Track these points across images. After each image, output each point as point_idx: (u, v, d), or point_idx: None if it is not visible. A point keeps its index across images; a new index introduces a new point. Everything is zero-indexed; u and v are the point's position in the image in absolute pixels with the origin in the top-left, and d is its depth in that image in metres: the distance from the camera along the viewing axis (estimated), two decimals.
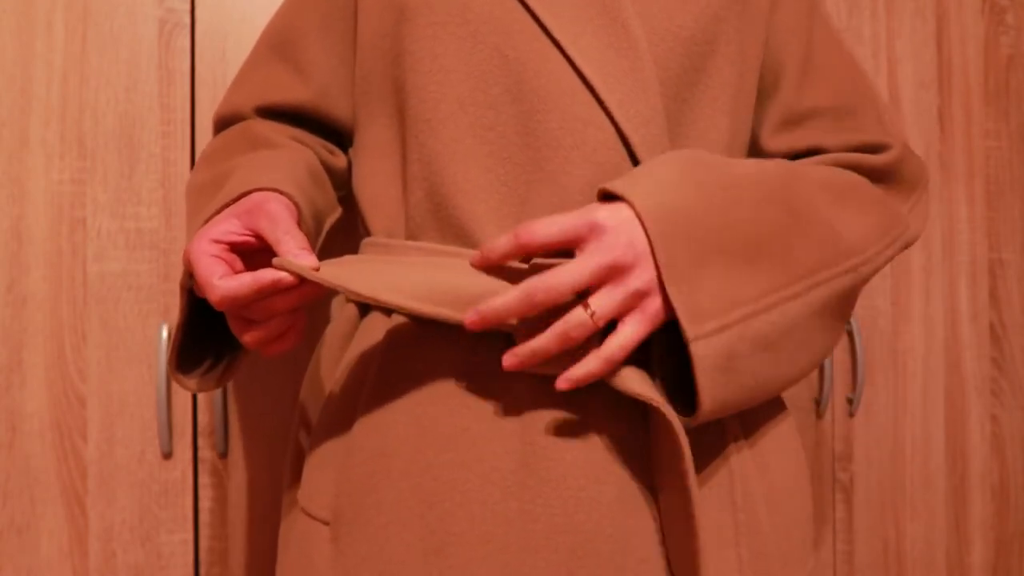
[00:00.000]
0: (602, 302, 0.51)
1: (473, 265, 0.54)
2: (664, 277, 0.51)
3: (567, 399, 0.56)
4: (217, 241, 0.54)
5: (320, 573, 0.59)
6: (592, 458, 0.55)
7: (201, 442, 0.88)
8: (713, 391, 0.51)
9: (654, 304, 0.52)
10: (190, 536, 0.87)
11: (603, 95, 0.57)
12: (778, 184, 0.57)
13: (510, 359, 0.53)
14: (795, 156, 0.68)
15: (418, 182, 0.61)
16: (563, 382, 0.52)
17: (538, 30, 0.58)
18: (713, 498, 0.57)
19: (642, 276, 0.51)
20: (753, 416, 0.62)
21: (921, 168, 0.69)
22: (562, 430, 0.56)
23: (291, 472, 0.69)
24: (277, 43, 0.72)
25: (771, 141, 0.69)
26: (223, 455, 0.88)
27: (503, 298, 0.51)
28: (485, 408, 0.57)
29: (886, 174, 0.67)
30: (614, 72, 0.58)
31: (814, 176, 0.61)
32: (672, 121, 0.60)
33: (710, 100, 0.62)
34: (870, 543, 1.10)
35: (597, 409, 0.56)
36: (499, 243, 0.53)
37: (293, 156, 0.65)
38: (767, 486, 0.61)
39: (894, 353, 1.11)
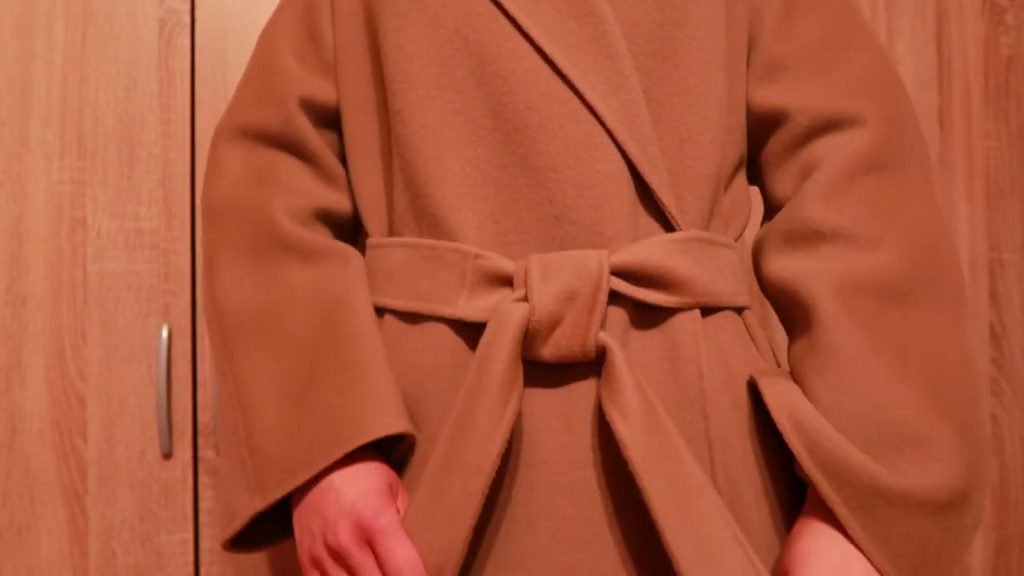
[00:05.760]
0: None
1: None
2: None
3: (550, 385, 0.56)
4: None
5: None
6: (575, 443, 0.55)
7: (201, 442, 0.88)
8: None
9: None
10: (190, 536, 0.87)
11: (564, 68, 0.55)
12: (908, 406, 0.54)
13: None
14: (766, 115, 0.63)
15: (399, 175, 0.61)
16: None
17: (495, 9, 0.56)
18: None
19: None
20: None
21: (919, 138, 0.61)
22: (545, 416, 0.56)
23: None
24: (299, 49, 0.69)
25: (752, 93, 0.64)
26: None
27: None
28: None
29: (877, 159, 0.59)
30: (575, 42, 0.55)
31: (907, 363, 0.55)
32: (655, 81, 0.57)
33: (698, 52, 0.58)
34: None
35: (581, 396, 0.56)
36: None
37: (372, 321, 0.60)
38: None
39: None
